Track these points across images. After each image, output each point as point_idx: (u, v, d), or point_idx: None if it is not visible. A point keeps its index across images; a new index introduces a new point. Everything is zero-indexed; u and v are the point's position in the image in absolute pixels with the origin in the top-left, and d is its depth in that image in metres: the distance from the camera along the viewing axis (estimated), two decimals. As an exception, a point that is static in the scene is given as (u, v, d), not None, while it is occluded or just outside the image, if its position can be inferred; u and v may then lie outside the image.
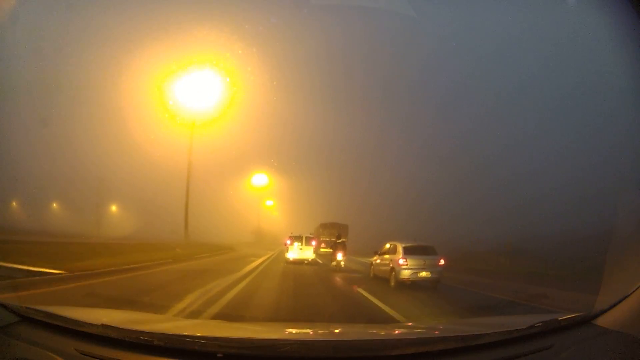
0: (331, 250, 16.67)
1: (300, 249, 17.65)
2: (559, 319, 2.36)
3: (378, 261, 12.00)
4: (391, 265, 10.64)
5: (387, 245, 11.68)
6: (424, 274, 10.14)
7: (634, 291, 2.27)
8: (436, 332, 2.59)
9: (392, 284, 10.30)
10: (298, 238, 17.95)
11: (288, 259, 17.20)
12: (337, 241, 16.28)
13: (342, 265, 15.22)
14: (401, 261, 10.26)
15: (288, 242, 17.78)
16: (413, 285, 10.04)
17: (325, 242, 23.56)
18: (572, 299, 7.41)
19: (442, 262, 10.42)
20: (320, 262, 18.65)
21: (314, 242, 18.38)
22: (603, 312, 2.36)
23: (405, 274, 10.13)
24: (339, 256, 15.26)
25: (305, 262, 17.13)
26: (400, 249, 10.63)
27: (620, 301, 2.32)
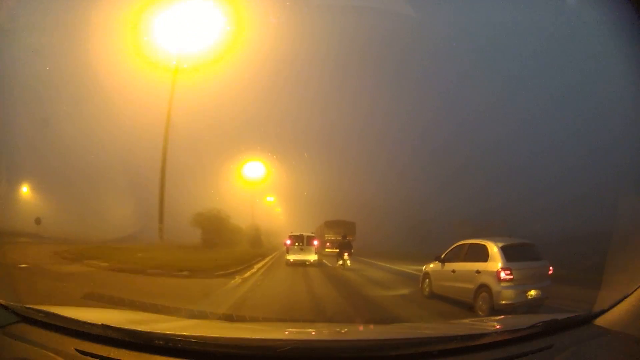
0: (337, 250, 16.37)
1: (302, 249, 16.68)
2: (559, 319, 2.36)
3: (445, 272, 7.68)
4: (481, 280, 6.54)
5: (463, 246, 7.64)
6: (533, 292, 6.35)
7: (634, 291, 2.28)
8: (436, 332, 2.59)
9: (482, 312, 6.32)
10: (299, 238, 16.93)
11: (288, 260, 16.42)
12: (343, 240, 16.22)
13: (349, 265, 15.07)
14: (503, 274, 6.26)
15: (288, 242, 16.96)
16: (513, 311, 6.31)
17: (331, 241, 21.76)
18: (571, 299, 7.36)
19: (551, 270, 6.82)
20: (329, 265, 16.64)
21: (316, 242, 17.24)
22: (603, 312, 2.37)
23: (509, 295, 6.22)
24: (345, 255, 15.20)
25: (307, 263, 16.31)
26: (496, 251, 6.59)
27: (620, 301, 2.32)
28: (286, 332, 2.70)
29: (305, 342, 1.98)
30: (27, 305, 2.13)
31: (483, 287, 6.51)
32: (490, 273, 6.47)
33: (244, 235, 25.00)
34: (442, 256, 7.97)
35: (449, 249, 8.00)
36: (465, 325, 3.10)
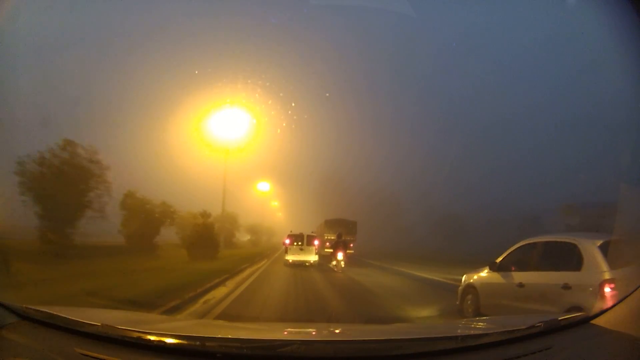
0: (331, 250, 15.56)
1: (301, 249, 16.02)
2: (559, 319, 2.36)
3: (505, 285, 5.41)
4: (572, 300, 4.36)
5: (534, 246, 5.36)
6: None
7: (633, 291, 2.28)
8: (436, 332, 2.58)
9: None
10: (298, 237, 16.24)
11: (287, 260, 15.84)
12: (338, 239, 15.41)
13: (342, 266, 14.32)
14: (608, 289, 4.07)
15: (287, 241, 16.29)
16: None
17: (331, 241, 20.65)
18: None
19: None
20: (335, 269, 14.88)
21: (316, 242, 16.48)
22: (602, 312, 2.37)
23: None
24: (339, 255, 14.42)
25: (307, 263, 15.74)
26: (595, 253, 4.45)
27: (620, 301, 2.32)
28: (286, 332, 2.70)
29: (305, 342, 1.98)
30: (27, 305, 2.14)
31: (576, 311, 4.00)
32: (587, 288, 4.27)
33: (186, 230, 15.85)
34: (499, 261, 5.63)
35: (510, 251, 5.61)
36: (465, 325, 3.10)
